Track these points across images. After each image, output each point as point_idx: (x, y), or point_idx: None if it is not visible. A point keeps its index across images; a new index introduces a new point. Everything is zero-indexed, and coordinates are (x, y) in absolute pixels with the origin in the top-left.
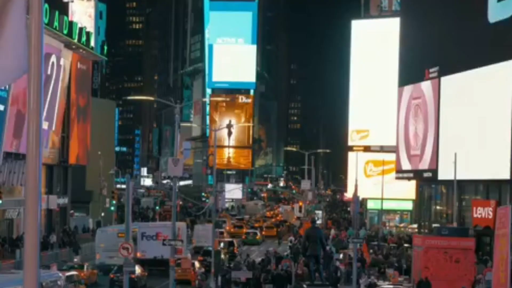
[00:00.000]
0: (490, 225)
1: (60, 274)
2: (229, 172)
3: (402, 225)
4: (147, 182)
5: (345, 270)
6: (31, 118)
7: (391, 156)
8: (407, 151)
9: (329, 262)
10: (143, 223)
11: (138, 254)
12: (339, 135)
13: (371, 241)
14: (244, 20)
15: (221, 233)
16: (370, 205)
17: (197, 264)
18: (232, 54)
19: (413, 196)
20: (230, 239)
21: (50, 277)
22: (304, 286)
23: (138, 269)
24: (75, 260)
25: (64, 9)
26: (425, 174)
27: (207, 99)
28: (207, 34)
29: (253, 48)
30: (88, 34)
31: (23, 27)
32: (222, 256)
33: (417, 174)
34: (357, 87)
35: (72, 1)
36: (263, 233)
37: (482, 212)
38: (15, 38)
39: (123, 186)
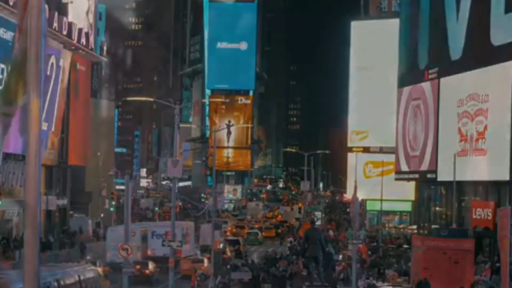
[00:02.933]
0: (490, 226)
1: (94, 268)
2: (228, 173)
3: (401, 226)
4: (147, 183)
5: (345, 271)
6: (31, 118)
7: (391, 157)
8: (406, 152)
9: (329, 263)
10: (153, 222)
11: (149, 252)
12: (339, 136)
13: (370, 242)
14: (244, 21)
15: (225, 232)
16: (370, 206)
17: (206, 260)
18: (231, 54)
19: (413, 197)
20: (236, 238)
21: (88, 271)
22: (304, 287)
23: (151, 265)
24: (88, 258)
25: (63, 10)
26: (428, 175)
27: (206, 100)
28: (206, 35)
29: (253, 48)
30: (87, 35)
31: None
32: (229, 253)
33: (419, 175)
34: (356, 88)
35: (72, 2)
36: (263, 233)
37: (481, 213)
38: None
39: (123, 187)
